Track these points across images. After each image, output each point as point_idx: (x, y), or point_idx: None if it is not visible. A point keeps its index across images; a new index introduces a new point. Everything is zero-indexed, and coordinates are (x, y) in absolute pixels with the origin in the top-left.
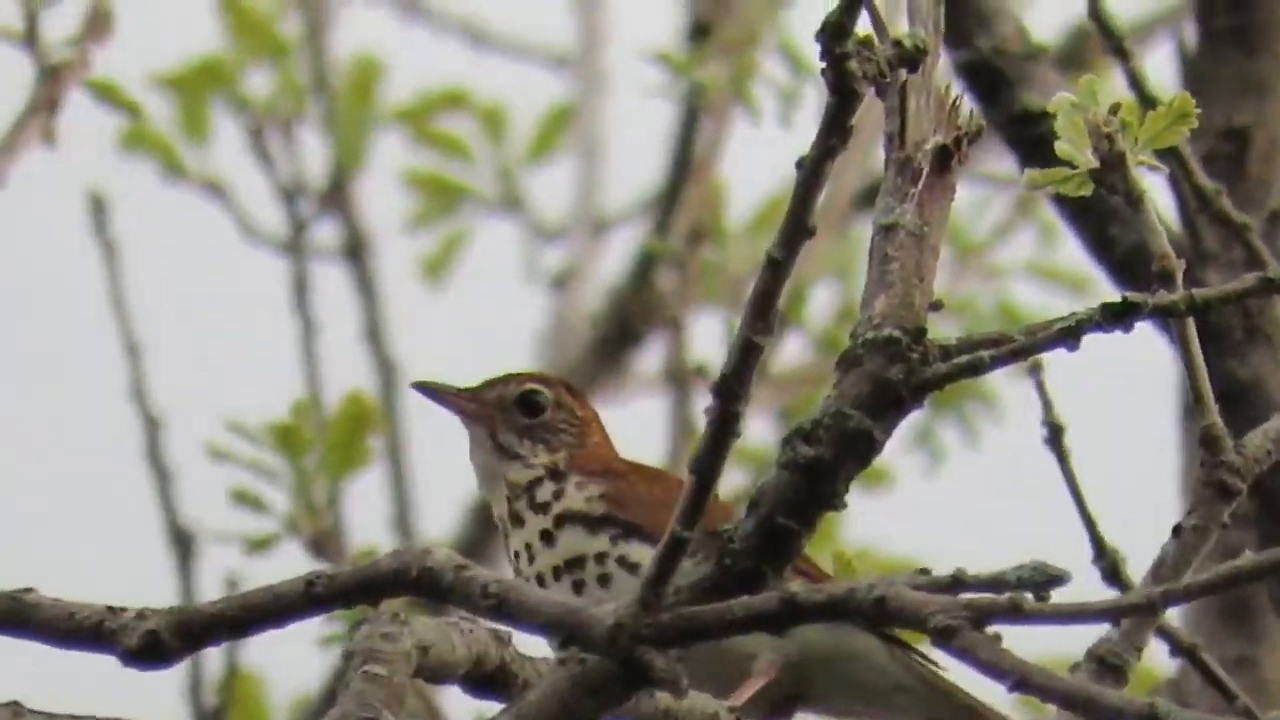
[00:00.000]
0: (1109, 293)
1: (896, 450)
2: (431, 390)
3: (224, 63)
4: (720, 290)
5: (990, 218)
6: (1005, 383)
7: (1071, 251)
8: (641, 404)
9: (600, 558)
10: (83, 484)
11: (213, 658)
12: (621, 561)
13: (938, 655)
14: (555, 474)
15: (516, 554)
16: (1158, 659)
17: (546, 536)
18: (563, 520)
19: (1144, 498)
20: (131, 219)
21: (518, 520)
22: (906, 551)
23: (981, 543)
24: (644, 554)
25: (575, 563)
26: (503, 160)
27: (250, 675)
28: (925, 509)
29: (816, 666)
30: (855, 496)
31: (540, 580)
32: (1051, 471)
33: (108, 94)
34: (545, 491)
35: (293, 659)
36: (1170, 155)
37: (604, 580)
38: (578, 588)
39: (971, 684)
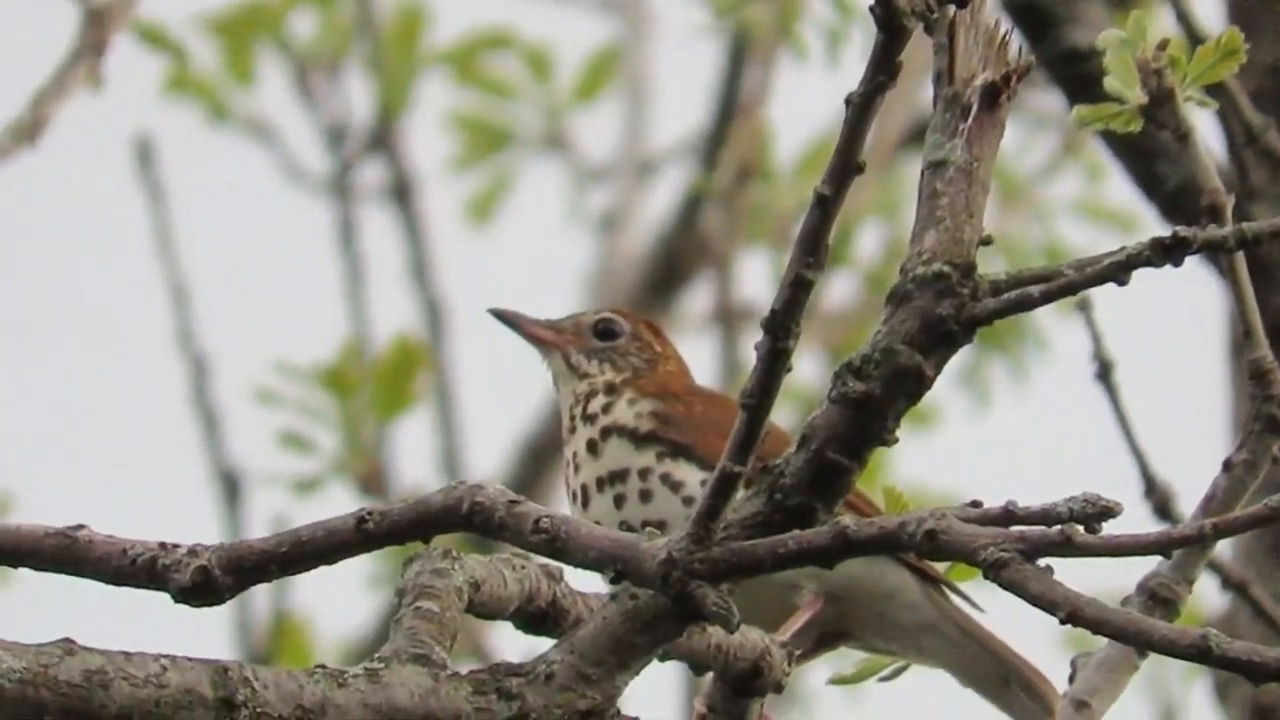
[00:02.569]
0: (1156, 231)
1: (946, 388)
2: (508, 319)
3: (269, 6)
4: (767, 230)
5: (1036, 156)
6: (1053, 321)
7: (1118, 190)
8: (689, 344)
9: (644, 473)
10: (130, 427)
11: (260, 600)
12: (665, 479)
13: (978, 597)
14: (610, 389)
15: (567, 464)
16: (1208, 596)
17: (592, 446)
18: (609, 432)
19: (1192, 434)
20: (177, 163)
21: (572, 430)
22: (956, 489)
23: (1030, 481)
24: (689, 474)
25: (618, 475)
26: (548, 102)
27: (298, 617)
28: (974, 448)
29: (854, 601)
30: (905, 435)
31: (584, 492)
32: (1100, 410)
33: (153, 38)
34: (596, 404)
35: (339, 602)
36: (1218, 91)
37: (645, 496)
38: (618, 501)
39: (1009, 631)
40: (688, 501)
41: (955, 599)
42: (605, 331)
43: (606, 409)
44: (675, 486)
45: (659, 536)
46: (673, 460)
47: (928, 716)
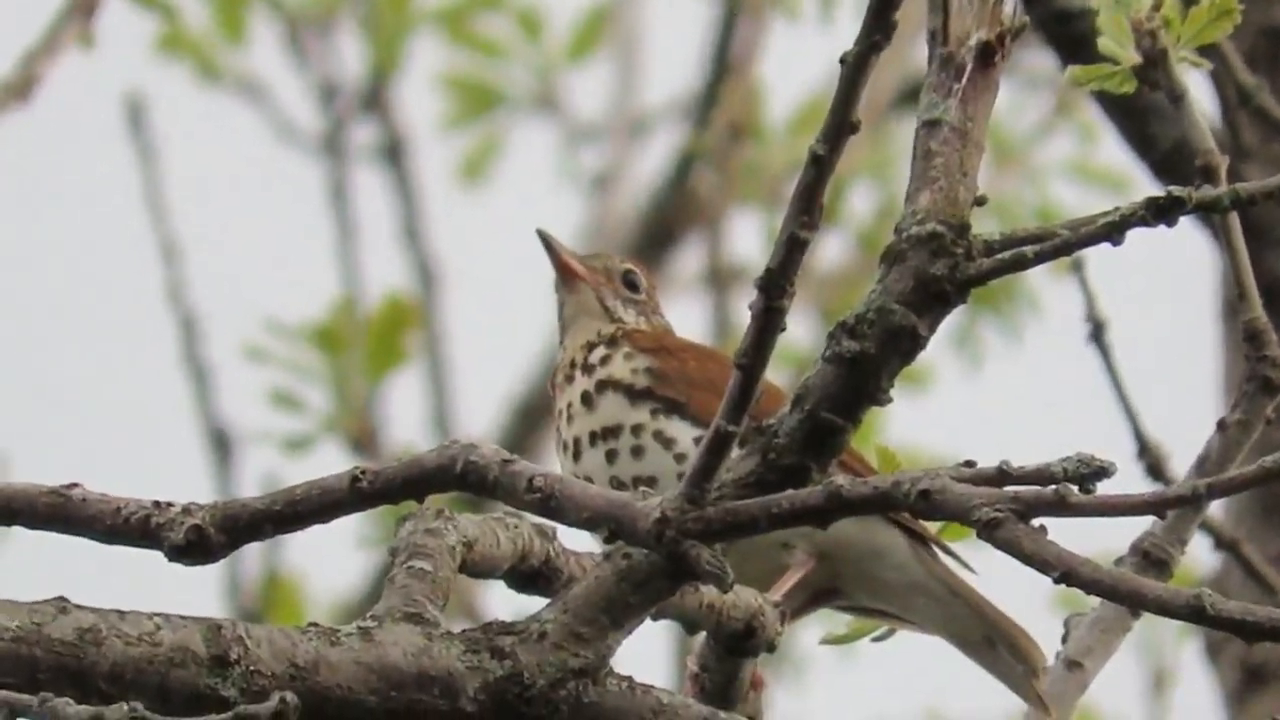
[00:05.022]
0: (1149, 192)
1: (939, 349)
2: (550, 244)
3: None
4: (759, 189)
5: (1030, 117)
6: (1046, 282)
7: (1111, 151)
8: (681, 303)
9: (636, 429)
10: (121, 386)
11: (252, 559)
12: (658, 436)
13: (971, 558)
14: (612, 340)
15: (559, 413)
16: (1199, 557)
17: (586, 399)
18: (604, 386)
19: (1185, 395)
20: (168, 122)
21: (569, 379)
22: (949, 450)
23: (1023, 442)
24: (682, 431)
25: (611, 431)
26: (540, 61)
27: (289, 576)
28: (967, 408)
29: (844, 560)
30: (898, 395)
31: (576, 445)
32: (1093, 370)
33: None
34: (596, 354)
35: (331, 562)
36: (1212, 52)
37: (637, 452)
38: (610, 457)
39: (1003, 591)
40: (680, 458)
41: (945, 559)
42: (632, 284)
43: (604, 361)
44: (668, 443)
45: (653, 496)
46: (666, 417)
47: (918, 677)
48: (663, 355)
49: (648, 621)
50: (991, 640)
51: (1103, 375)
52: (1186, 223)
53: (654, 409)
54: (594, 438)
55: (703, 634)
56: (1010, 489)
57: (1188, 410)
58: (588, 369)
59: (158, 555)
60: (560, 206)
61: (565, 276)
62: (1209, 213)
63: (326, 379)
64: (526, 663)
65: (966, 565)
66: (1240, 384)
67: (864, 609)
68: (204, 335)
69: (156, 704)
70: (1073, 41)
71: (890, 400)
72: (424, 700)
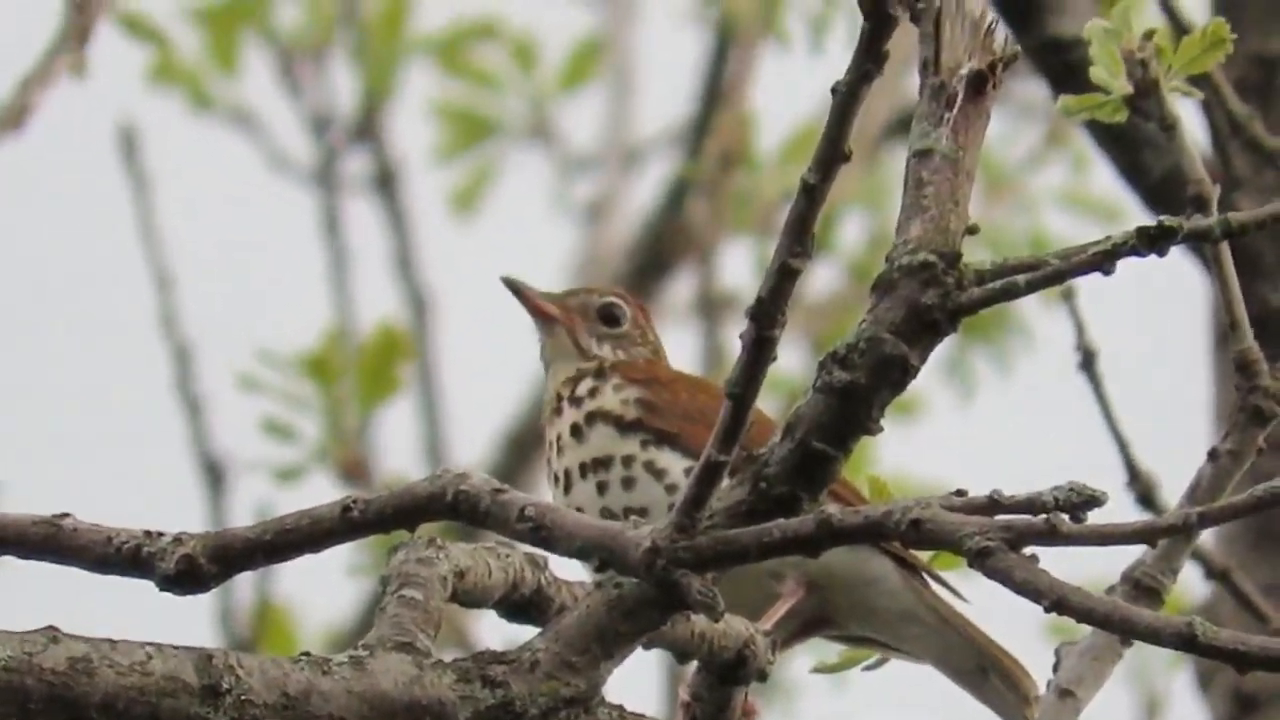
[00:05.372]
0: (1140, 221)
1: (930, 379)
2: (518, 289)
3: None
4: (751, 218)
5: (1021, 146)
6: (1037, 311)
7: (1103, 180)
8: (673, 332)
9: (627, 461)
10: (114, 415)
11: (244, 587)
12: (649, 467)
13: (963, 587)
14: (599, 372)
15: (550, 445)
16: (1190, 585)
17: (576, 431)
18: (594, 418)
19: (1176, 424)
20: (161, 151)
21: (557, 412)
22: (940, 479)
23: (1014, 471)
24: (672, 462)
25: (602, 462)
26: (533, 91)
27: (281, 605)
28: (958, 438)
29: (835, 589)
30: (889, 425)
31: (566, 477)
32: (1083, 401)
33: (137, 26)
34: (584, 387)
35: (322, 590)
36: (1203, 81)
37: (628, 483)
38: (601, 488)
39: (994, 620)
40: (671, 489)
41: (937, 588)
42: (610, 317)
43: (593, 394)
44: (659, 474)
45: (644, 525)
46: (657, 448)
47: (910, 707)
48: (654, 387)
49: (639, 650)
50: (984, 669)
51: (1094, 404)
52: (1178, 252)
53: (644, 440)
54: (584, 469)
55: (694, 663)
56: (1001, 518)
57: (1179, 439)
58: (576, 401)
59: (149, 585)
60: (553, 236)
61: (538, 318)
62: (1200, 242)
63: (318, 408)
64: (518, 692)
65: (958, 594)
66: (1232, 413)
67: (855, 638)
68: (196, 364)
69: None
70: (1064, 71)
71: (881, 430)
72: None
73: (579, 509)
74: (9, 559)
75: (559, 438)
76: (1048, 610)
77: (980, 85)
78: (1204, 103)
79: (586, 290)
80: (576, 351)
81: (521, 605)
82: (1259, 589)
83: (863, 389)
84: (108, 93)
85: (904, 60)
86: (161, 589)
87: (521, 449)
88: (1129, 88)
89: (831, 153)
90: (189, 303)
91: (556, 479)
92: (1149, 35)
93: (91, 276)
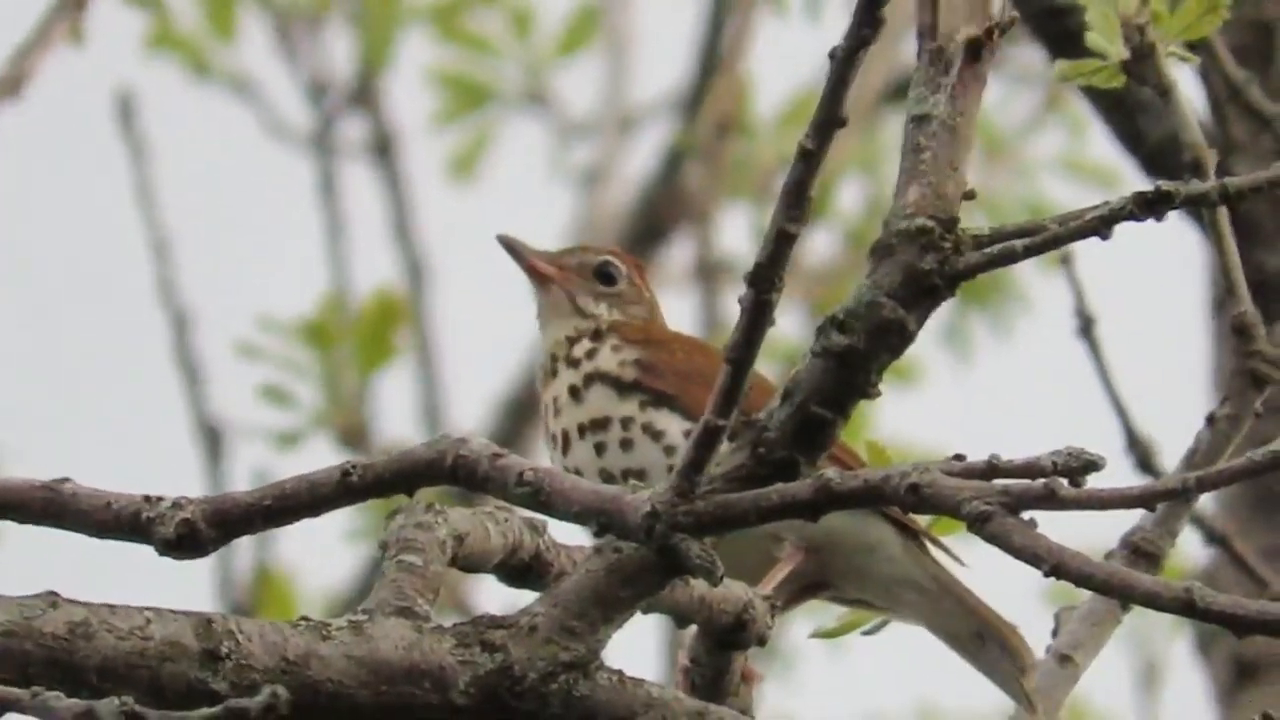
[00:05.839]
0: (1137, 187)
1: (928, 344)
2: (514, 247)
3: None
4: (748, 184)
5: (1018, 112)
6: (1034, 277)
7: (1100, 146)
8: (671, 298)
9: (626, 422)
10: (112, 381)
11: (243, 553)
12: (647, 429)
13: (962, 552)
14: (596, 334)
15: (546, 407)
16: (1189, 550)
17: (574, 392)
18: (592, 379)
19: (1174, 389)
20: (159, 118)
21: (553, 373)
22: (939, 444)
23: (1012, 437)
24: (671, 424)
25: (600, 423)
26: (529, 57)
27: (280, 570)
28: (957, 404)
29: (834, 553)
30: (887, 390)
31: (565, 438)
32: (1081, 366)
33: None
34: (581, 349)
35: (321, 556)
36: (1200, 46)
37: (626, 445)
38: (599, 449)
39: (992, 585)
40: (669, 451)
41: (936, 554)
42: (606, 276)
43: (590, 354)
44: (657, 436)
45: (643, 490)
46: (655, 409)
47: (909, 671)
48: (651, 347)
49: (638, 615)
50: (980, 636)
51: (1092, 369)
52: (1175, 217)
53: (643, 401)
54: (582, 430)
55: (693, 627)
56: (1000, 482)
57: (1177, 404)
58: (573, 363)
59: (148, 550)
60: (550, 202)
61: (533, 278)
62: (1198, 207)
63: (317, 374)
64: (517, 656)
65: (956, 558)
66: (1229, 378)
67: (854, 601)
68: (194, 331)
69: (148, 698)
70: (1061, 36)
71: (879, 394)
72: (415, 694)
73: (577, 470)
74: (9, 524)
75: (556, 399)
76: (1046, 575)
77: (977, 50)
78: (1201, 68)
79: (583, 249)
80: (573, 310)
81: (520, 570)
82: (1258, 553)
83: (861, 353)
84: (105, 59)
85: (901, 25)
86: (161, 553)
87: (519, 414)
88: (1125, 53)
89: (829, 118)
90: (187, 269)
91: (554, 440)
92: (1145, 0)
93: (89, 243)
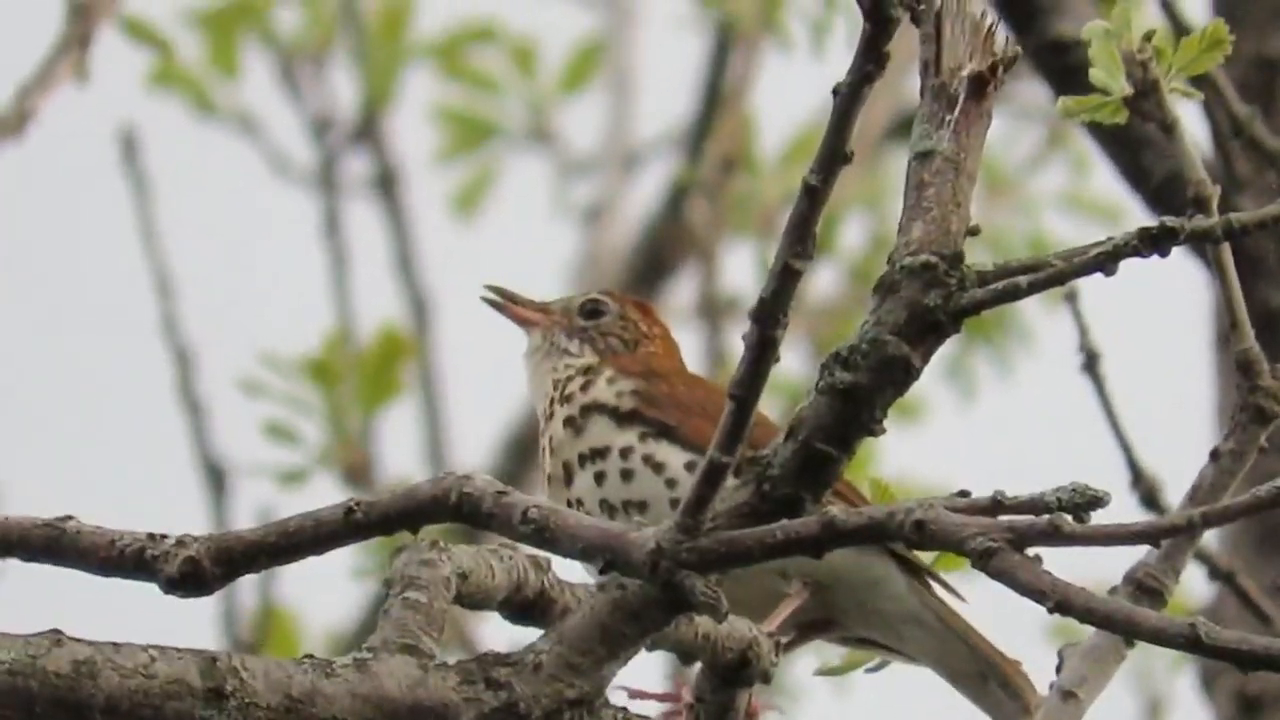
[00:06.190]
0: (1141, 223)
1: (932, 380)
2: (498, 306)
3: None
4: (752, 221)
5: (1022, 148)
6: (1038, 313)
7: (1104, 182)
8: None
9: (625, 452)
10: (116, 419)
11: (247, 591)
12: (647, 460)
13: (966, 589)
14: (586, 371)
15: (543, 450)
16: (1193, 587)
17: (570, 423)
18: (589, 410)
19: (1179, 425)
20: (163, 155)
21: (549, 416)
22: (942, 481)
23: (1017, 473)
24: (671, 455)
25: (599, 452)
26: (533, 94)
27: (284, 608)
28: (960, 441)
29: (838, 590)
30: (891, 427)
31: (566, 470)
32: (1086, 401)
33: (138, 31)
34: (574, 385)
35: (325, 593)
36: (1203, 82)
37: (626, 475)
38: (599, 479)
39: (997, 621)
40: (670, 484)
41: (940, 592)
42: (591, 311)
43: (585, 388)
44: (658, 468)
45: (647, 526)
46: (655, 441)
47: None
48: (652, 378)
49: (643, 652)
50: (984, 675)
51: (1096, 405)
52: (1179, 253)
53: (643, 432)
54: (582, 459)
55: (698, 664)
56: (1004, 519)
57: (1181, 440)
58: (567, 399)
59: (152, 588)
60: (553, 239)
61: (518, 324)
62: (1202, 243)
63: (321, 411)
64: (522, 693)
65: (958, 594)
66: (1233, 414)
67: (858, 640)
68: (198, 368)
69: None
70: (1064, 72)
71: (884, 431)
72: None
73: (579, 499)
74: (13, 562)
75: (551, 439)
76: (1051, 611)
77: (981, 86)
78: (1205, 104)
79: (574, 296)
80: (551, 350)
81: (525, 607)
82: (1262, 589)
83: (865, 390)
84: (109, 97)
85: (905, 62)
86: (165, 591)
87: (523, 451)
88: (1129, 89)
89: (833, 153)
90: (190, 306)
91: (551, 479)
92: (1148, 36)
93: (93, 280)
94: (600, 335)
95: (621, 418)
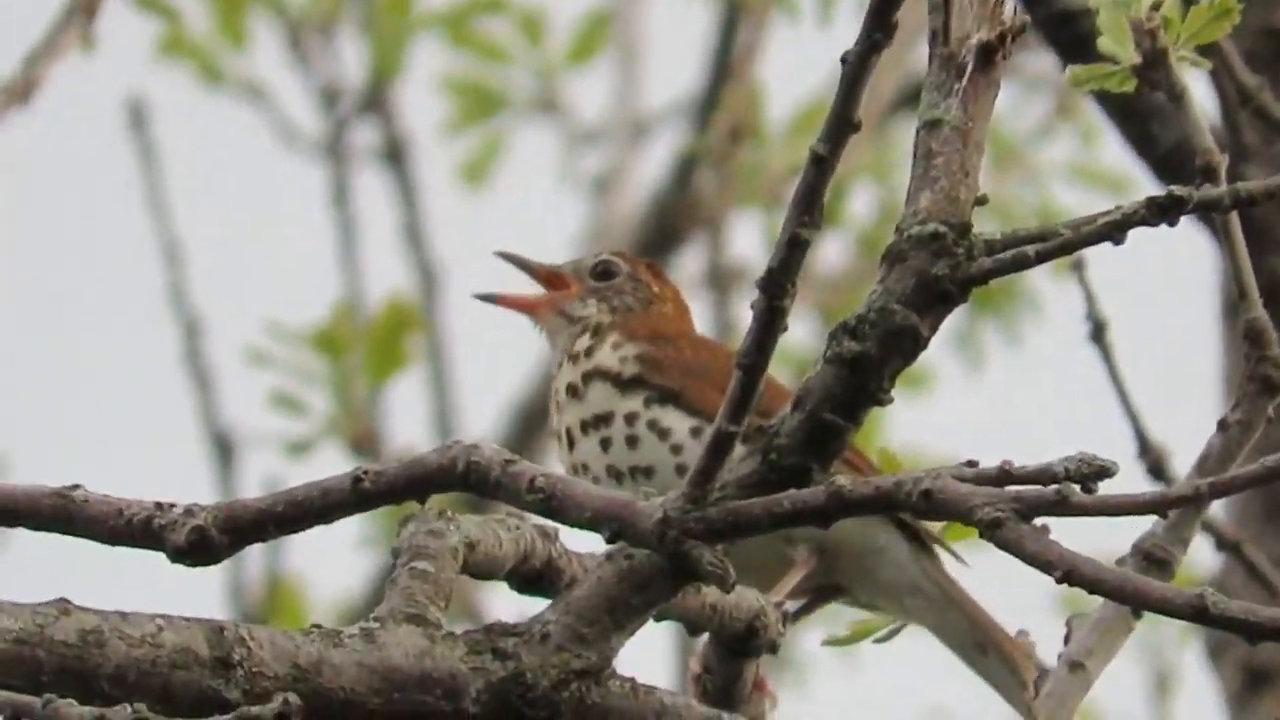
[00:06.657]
0: (1149, 193)
1: (939, 351)
2: (500, 300)
3: None
4: (760, 191)
5: (1030, 118)
6: (1046, 282)
7: (1111, 153)
8: None
9: (630, 418)
10: (123, 389)
11: (254, 561)
12: (652, 426)
13: (974, 559)
14: (598, 329)
15: (552, 400)
16: (1200, 558)
17: (573, 390)
18: (590, 376)
19: (1186, 395)
20: (170, 125)
21: (559, 366)
22: (950, 451)
23: (1024, 443)
24: (677, 421)
25: (603, 419)
26: (541, 64)
27: (292, 578)
28: (968, 409)
29: (842, 557)
30: (899, 398)
31: (569, 435)
32: (1093, 371)
33: (146, 0)
34: (581, 344)
35: (333, 563)
36: (1212, 52)
37: (632, 441)
38: (604, 445)
39: (998, 597)
40: (676, 450)
41: (944, 562)
42: (603, 272)
43: (589, 352)
44: (663, 434)
45: (654, 496)
46: (660, 406)
47: (921, 679)
48: (658, 341)
49: (650, 622)
50: (984, 647)
51: (1104, 375)
52: (1187, 223)
53: (647, 398)
54: (585, 426)
55: (705, 635)
56: (1012, 489)
57: (1189, 410)
58: (574, 359)
59: (160, 557)
60: (561, 209)
61: (524, 314)
62: (1209, 212)
63: (328, 382)
64: (529, 664)
65: (960, 559)
66: (1241, 384)
67: (867, 605)
68: (205, 338)
69: (159, 706)
70: (1073, 42)
71: (891, 400)
72: (427, 701)
73: (584, 464)
74: (20, 531)
75: (557, 392)
76: (1058, 581)
77: (989, 56)
78: (1213, 73)
79: (583, 257)
80: (565, 322)
81: (532, 577)
82: (1269, 560)
83: (873, 359)
84: (116, 67)
85: (913, 31)
86: (173, 561)
87: (530, 421)
88: (1137, 58)
89: (841, 122)
90: (198, 276)
91: (559, 438)
92: (1157, 5)
93: (100, 250)
94: (614, 293)
95: (624, 384)
